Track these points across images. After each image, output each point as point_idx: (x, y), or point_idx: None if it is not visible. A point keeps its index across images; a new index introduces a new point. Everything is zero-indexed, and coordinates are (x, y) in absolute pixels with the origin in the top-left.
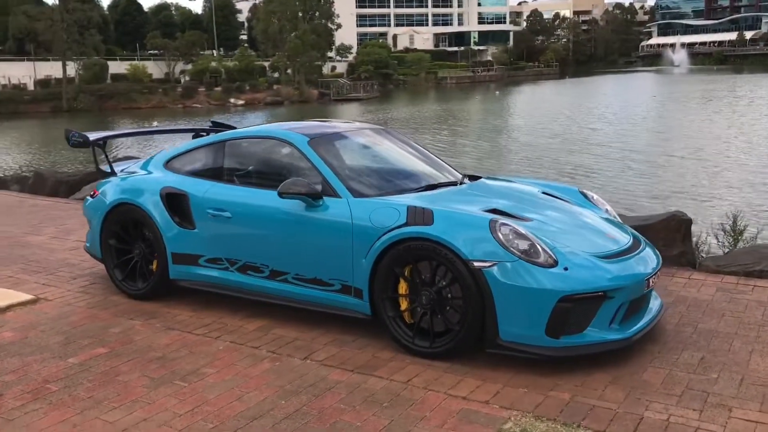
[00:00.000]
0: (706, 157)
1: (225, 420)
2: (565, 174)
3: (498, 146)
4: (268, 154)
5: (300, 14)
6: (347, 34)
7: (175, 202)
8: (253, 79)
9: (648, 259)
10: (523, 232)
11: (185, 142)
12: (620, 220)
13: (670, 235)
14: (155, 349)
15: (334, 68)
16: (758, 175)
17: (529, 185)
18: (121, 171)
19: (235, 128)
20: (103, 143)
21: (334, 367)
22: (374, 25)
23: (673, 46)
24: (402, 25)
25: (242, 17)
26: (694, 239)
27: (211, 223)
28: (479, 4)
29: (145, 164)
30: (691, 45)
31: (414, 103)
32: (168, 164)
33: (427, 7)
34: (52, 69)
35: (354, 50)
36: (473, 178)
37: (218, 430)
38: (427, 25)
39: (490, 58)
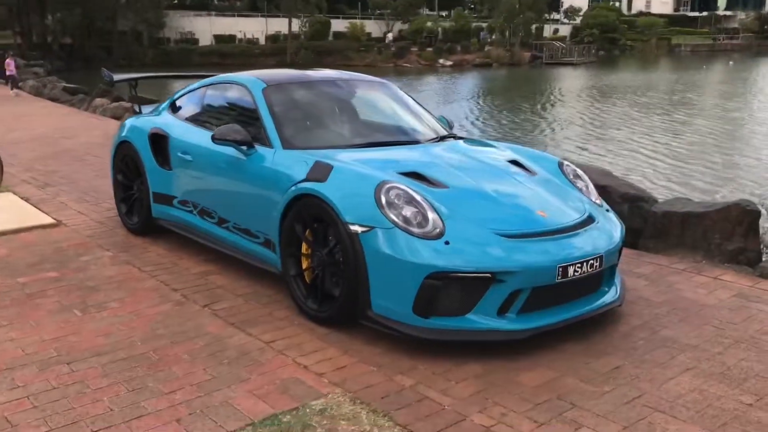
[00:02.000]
0: None
1: (71, 352)
2: None
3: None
4: (231, 100)
5: None
6: None
7: (158, 142)
8: (467, 41)
9: (578, 244)
10: (417, 198)
11: (187, 85)
12: (598, 201)
13: (728, 227)
14: (94, 280)
15: (556, 31)
16: None
17: (499, 150)
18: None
19: None
20: (135, 83)
21: (221, 318)
22: None
23: None
24: None
25: None
26: None
27: (181, 165)
28: None
29: (158, 106)
30: None
31: (627, 70)
32: (171, 106)
33: None
34: (281, 25)
35: (582, 12)
36: (454, 138)
37: (54, 360)
38: None
39: (737, 25)
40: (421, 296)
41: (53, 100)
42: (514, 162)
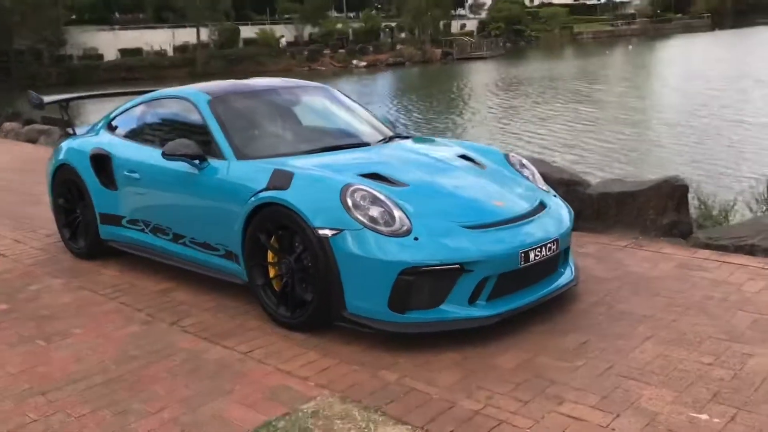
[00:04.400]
0: None
1: (43, 383)
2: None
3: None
4: (175, 114)
5: None
6: None
7: (101, 163)
8: (378, 40)
9: (534, 230)
10: (381, 198)
11: (124, 103)
12: (545, 188)
13: (661, 203)
14: (50, 308)
15: (463, 26)
16: None
17: (447, 146)
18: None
19: None
20: (66, 105)
21: (192, 333)
22: None
23: None
24: None
25: None
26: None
27: (127, 184)
28: None
29: (94, 125)
30: None
31: (537, 60)
32: (108, 125)
33: None
34: (189, 35)
35: (487, 7)
36: (401, 138)
37: (28, 393)
38: None
39: (633, 11)
40: (395, 292)
41: None
42: (463, 156)
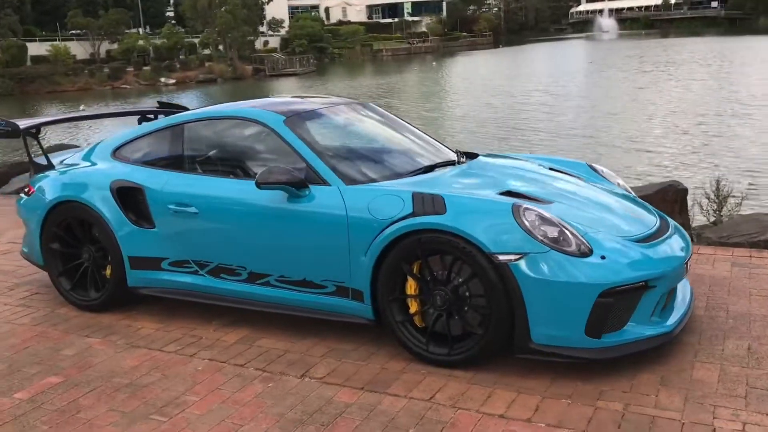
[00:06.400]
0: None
1: None
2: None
3: (442, 117)
4: (236, 137)
5: None
6: (278, 7)
7: (128, 197)
8: (182, 57)
9: (681, 239)
10: (549, 216)
11: (132, 127)
12: (635, 195)
13: (668, 208)
14: (120, 375)
15: (266, 43)
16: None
17: (534, 161)
18: (60, 163)
19: (187, 108)
20: (36, 131)
21: (338, 385)
22: None
23: (601, 11)
24: None
25: None
26: None
27: (173, 220)
28: None
29: (87, 154)
30: (618, 10)
31: (350, 76)
32: (116, 153)
33: None
34: None
35: (286, 24)
36: (470, 155)
37: None
38: None
39: (424, 29)
40: (594, 316)
41: None
42: (554, 170)
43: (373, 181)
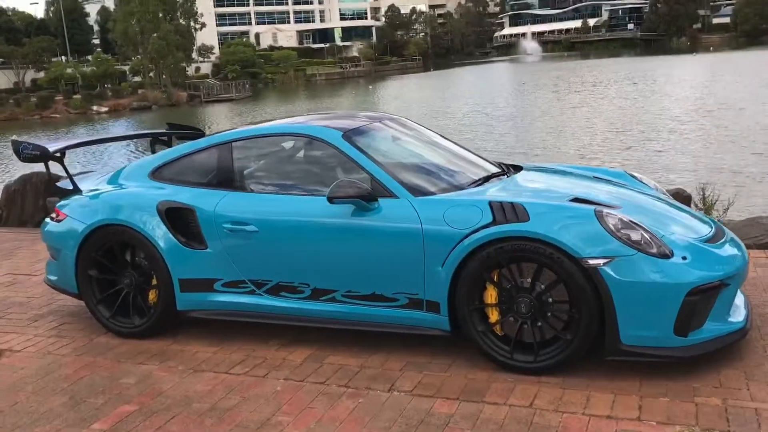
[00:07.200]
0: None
1: None
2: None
3: None
4: (290, 154)
5: (161, 14)
6: (207, 33)
7: (177, 218)
8: (113, 84)
9: (736, 240)
10: (630, 220)
11: (170, 148)
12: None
13: None
14: (197, 400)
15: (198, 69)
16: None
17: (577, 171)
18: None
19: (199, 129)
20: (61, 155)
21: (430, 397)
22: (235, 24)
23: (524, 35)
24: (263, 23)
25: (92, 21)
26: None
27: (228, 240)
28: (340, 0)
29: (115, 177)
30: (540, 33)
31: (288, 101)
32: (155, 174)
33: (287, 4)
34: None
35: (216, 50)
36: (515, 167)
37: None
38: (289, 22)
39: (356, 53)
40: (682, 315)
41: None
42: (597, 178)
43: (442, 192)
